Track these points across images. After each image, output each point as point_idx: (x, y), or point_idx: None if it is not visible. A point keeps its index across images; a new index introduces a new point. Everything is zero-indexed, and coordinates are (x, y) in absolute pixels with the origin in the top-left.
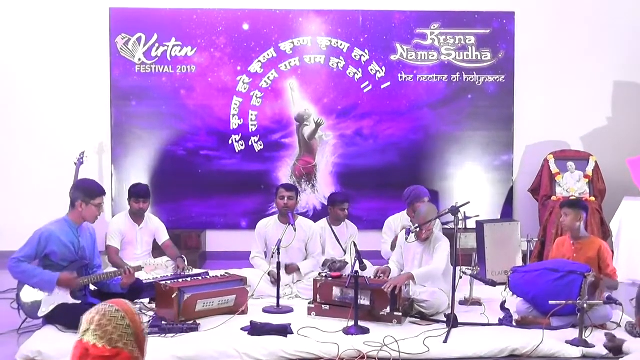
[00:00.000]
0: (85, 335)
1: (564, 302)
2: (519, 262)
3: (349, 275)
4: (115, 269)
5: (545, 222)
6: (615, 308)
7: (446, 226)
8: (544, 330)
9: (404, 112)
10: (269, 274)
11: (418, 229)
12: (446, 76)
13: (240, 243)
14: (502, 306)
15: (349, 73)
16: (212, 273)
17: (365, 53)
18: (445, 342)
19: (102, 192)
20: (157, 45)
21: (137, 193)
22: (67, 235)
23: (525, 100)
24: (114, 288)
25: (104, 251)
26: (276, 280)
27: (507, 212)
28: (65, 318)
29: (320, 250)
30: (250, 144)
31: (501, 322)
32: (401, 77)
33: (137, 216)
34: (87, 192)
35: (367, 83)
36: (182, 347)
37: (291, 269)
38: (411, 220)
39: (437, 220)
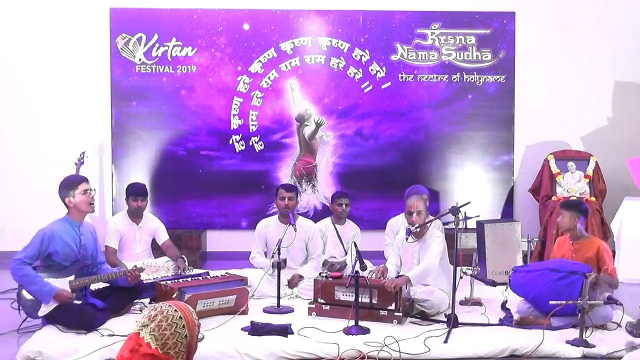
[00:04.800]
0: (143, 330)
1: (565, 302)
2: (519, 263)
3: (349, 276)
4: (117, 270)
5: (545, 222)
6: (616, 308)
7: (447, 226)
8: (545, 330)
9: (405, 112)
10: (272, 265)
11: (418, 229)
12: (447, 76)
13: (241, 243)
14: (503, 306)
15: (350, 73)
16: (212, 273)
17: (366, 53)
18: (445, 342)
19: (81, 179)
20: (157, 45)
21: (134, 191)
22: (69, 234)
23: (525, 100)
24: (122, 282)
25: (103, 251)
26: (278, 265)
27: (508, 212)
28: (66, 318)
29: (321, 250)
30: (250, 144)
31: (502, 322)
32: (402, 77)
33: (135, 215)
34: (67, 185)
35: (367, 83)
36: None
37: (294, 282)
38: (408, 223)
39: (439, 220)
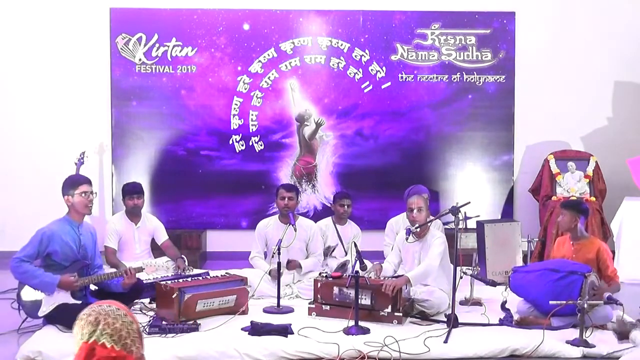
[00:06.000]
0: (93, 335)
1: (565, 302)
2: (520, 262)
3: (349, 276)
4: (115, 270)
5: (545, 222)
6: (616, 308)
7: (447, 226)
8: (545, 330)
9: (405, 112)
10: (269, 273)
11: (418, 229)
12: (447, 76)
13: (241, 243)
14: (503, 306)
15: (350, 73)
16: (212, 273)
17: (366, 53)
18: (445, 342)
19: (83, 180)
20: (157, 45)
21: (130, 190)
22: (68, 234)
23: (525, 100)
24: (115, 288)
25: (103, 251)
26: (276, 277)
27: (508, 212)
28: (66, 318)
29: (322, 250)
30: (250, 144)
31: (502, 322)
32: (402, 77)
33: (133, 215)
34: (69, 184)
35: (367, 83)
36: (182, 347)
37: (292, 265)
38: (409, 221)
39: (439, 220)
